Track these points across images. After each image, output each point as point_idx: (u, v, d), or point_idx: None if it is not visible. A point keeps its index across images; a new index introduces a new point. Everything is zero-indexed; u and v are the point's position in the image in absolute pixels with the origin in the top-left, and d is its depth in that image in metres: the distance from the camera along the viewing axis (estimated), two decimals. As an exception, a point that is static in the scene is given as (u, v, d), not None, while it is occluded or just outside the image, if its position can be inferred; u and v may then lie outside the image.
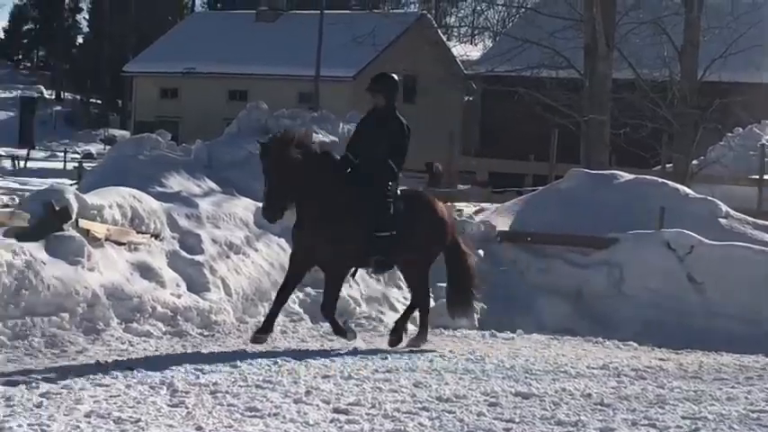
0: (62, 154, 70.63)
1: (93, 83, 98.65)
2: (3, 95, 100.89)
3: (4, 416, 8.64)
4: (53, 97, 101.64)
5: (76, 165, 54.69)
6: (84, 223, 14.10)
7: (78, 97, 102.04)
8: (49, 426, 8.35)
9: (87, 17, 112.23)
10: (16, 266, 12.68)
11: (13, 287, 12.51)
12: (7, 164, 63.12)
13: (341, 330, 13.49)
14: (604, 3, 30.86)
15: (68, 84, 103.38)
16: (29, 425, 8.34)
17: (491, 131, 63.68)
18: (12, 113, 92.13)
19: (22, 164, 65.16)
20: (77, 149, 76.07)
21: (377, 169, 13.47)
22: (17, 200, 28.49)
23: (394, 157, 13.60)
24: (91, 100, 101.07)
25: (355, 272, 14.18)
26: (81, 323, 12.89)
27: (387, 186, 13.46)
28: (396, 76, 14.18)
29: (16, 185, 42.40)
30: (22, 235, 13.56)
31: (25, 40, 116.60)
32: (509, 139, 54.74)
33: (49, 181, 37.39)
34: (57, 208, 13.85)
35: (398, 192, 13.72)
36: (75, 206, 14.11)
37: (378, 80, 14.11)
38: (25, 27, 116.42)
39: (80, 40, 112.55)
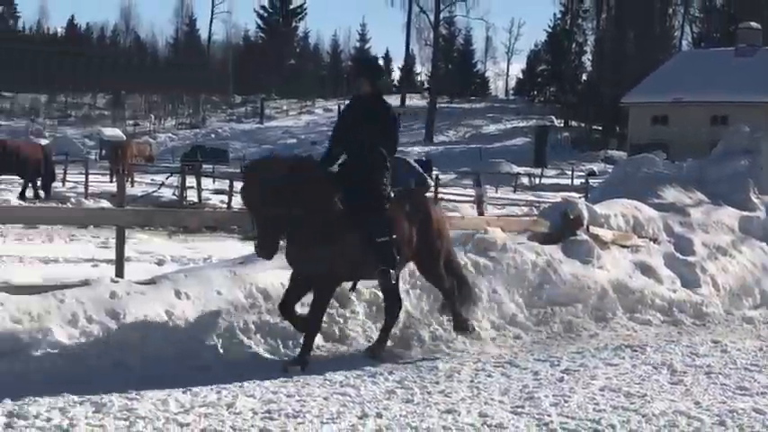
0: (569, 172, 71.26)
1: (594, 112, 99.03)
2: (521, 125, 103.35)
3: (533, 387, 8.80)
4: (562, 125, 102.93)
5: (583, 181, 55.04)
6: (593, 229, 14.22)
7: (582, 125, 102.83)
8: (569, 396, 8.42)
9: (590, 59, 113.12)
10: (539, 265, 12.94)
11: (537, 282, 12.75)
12: (525, 180, 64.38)
13: (306, 354, 9.75)
14: None
15: (574, 114, 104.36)
16: (553, 395, 8.45)
17: None
18: (528, 139, 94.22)
19: (536, 180, 66.35)
20: (582, 168, 76.55)
21: (367, 160, 10.15)
22: (535, 210, 29.03)
23: (384, 144, 10.25)
24: (593, 127, 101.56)
25: (354, 285, 10.66)
26: (592, 312, 12.93)
27: (380, 182, 10.13)
28: (380, 61, 11.21)
29: (533, 198, 43.20)
30: (543, 239, 13.86)
31: (539, 79, 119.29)
32: None
33: (561, 194, 37.73)
34: (571, 216, 14.07)
35: (391, 193, 10.35)
36: (585, 215, 14.28)
37: (361, 64, 10.99)
38: (539, 68, 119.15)
39: (584, 77, 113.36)
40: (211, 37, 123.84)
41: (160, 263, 15.85)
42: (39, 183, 32.60)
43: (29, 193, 32.29)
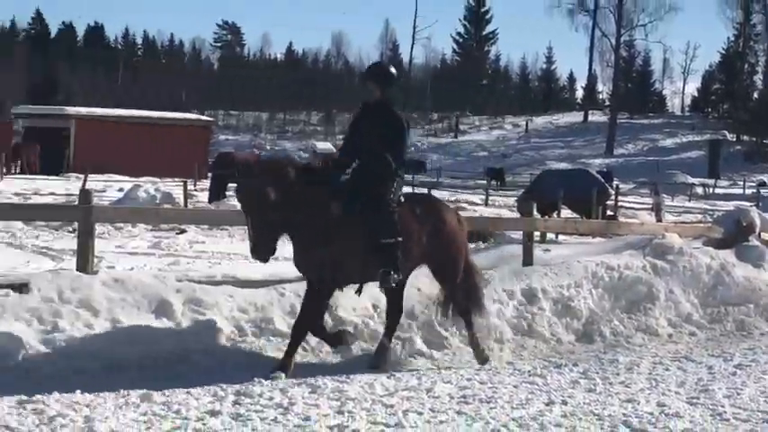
0: (741, 182, 69.13)
1: (765, 128, 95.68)
2: (696, 139, 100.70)
3: (707, 380, 8.55)
4: (734, 139, 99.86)
5: (754, 191, 53.28)
6: (765, 235, 13.84)
7: (754, 139, 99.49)
8: (742, 390, 8.14)
9: (762, 78, 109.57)
10: (713, 268, 12.64)
11: (711, 283, 12.48)
12: (699, 190, 62.75)
13: (288, 358, 8.44)
14: None
15: (746, 129, 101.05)
16: (726, 388, 8.20)
17: None
18: (702, 152, 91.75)
19: (710, 190, 64.61)
20: (753, 179, 74.03)
21: (374, 166, 8.89)
22: (709, 218, 28.25)
23: (391, 151, 8.93)
24: (764, 141, 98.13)
25: (360, 288, 9.20)
26: (763, 312, 12.56)
27: (386, 186, 8.90)
28: (392, 68, 9.53)
29: (707, 207, 42.12)
30: (717, 244, 13.53)
31: (713, 97, 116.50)
32: None
33: (733, 203, 36.66)
34: (744, 224, 13.74)
35: (401, 197, 9.17)
36: (758, 222, 13.92)
37: (371, 70, 9.46)
38: (713, 87, 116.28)
39: (755, 95, 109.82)
40: (412, 60, 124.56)
41: (366, 262, 16.05)
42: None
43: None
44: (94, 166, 41.23)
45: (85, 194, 10.03)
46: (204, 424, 6.38)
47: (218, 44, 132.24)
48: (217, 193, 31.57)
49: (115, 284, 9.12)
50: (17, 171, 46.08)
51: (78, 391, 7.01)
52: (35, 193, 32.89)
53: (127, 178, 40.72)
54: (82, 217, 9.86)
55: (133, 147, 51.96)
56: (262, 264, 8.68)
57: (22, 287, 8.91)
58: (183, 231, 20.94)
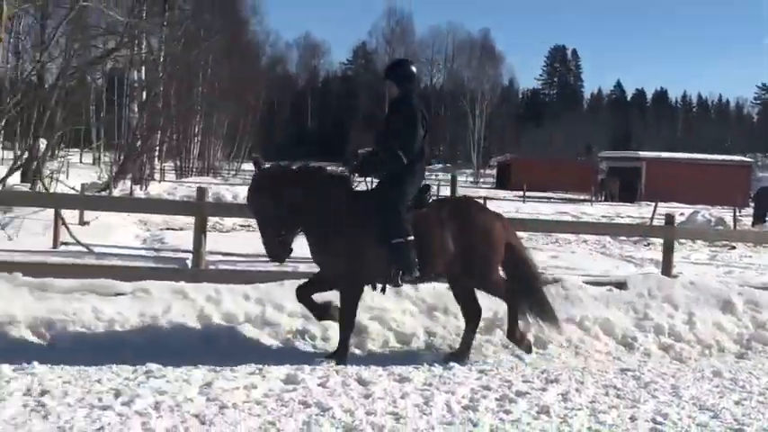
0: None
1: None
2: None
3: None
4: None
5: None
6: None
7: None
8: None
9: None
10: None
11: None
12: None
13: (343, 352, 6.60)
14: None
15: None
16: None
17: None
18: None
19: None
20: None
21: (385, 160, 6.65)
22: None
23: (402, 143, 6.63)
24: None
25: (384, 288, 6.82)
26: None
27: (396, 184, 6.66)
28: (412, 65, 7.05)
29: None
30: None
31: None
32: None
33: None
34: None
35: (429, 198, 6.89)
36: None
37: (390, 68, 7.07)
38: None
39: None
40: None
41: None
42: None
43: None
44: (661, 196, 41.49)
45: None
46: (765, 398, 6.12)
47: (758, 101, 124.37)
48: (761, 217, 29.92)
49: (690, 286, 9.04)
50: (603, 199, 48.41)
51: (667, 363, 7.06)
52: (617, 215, 33.60)
53: (686, 206, 40.10)
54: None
55: (690, 181, 50.97)
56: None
57: (620, 285, 9.15)
58: (733, 247, 19.96)
